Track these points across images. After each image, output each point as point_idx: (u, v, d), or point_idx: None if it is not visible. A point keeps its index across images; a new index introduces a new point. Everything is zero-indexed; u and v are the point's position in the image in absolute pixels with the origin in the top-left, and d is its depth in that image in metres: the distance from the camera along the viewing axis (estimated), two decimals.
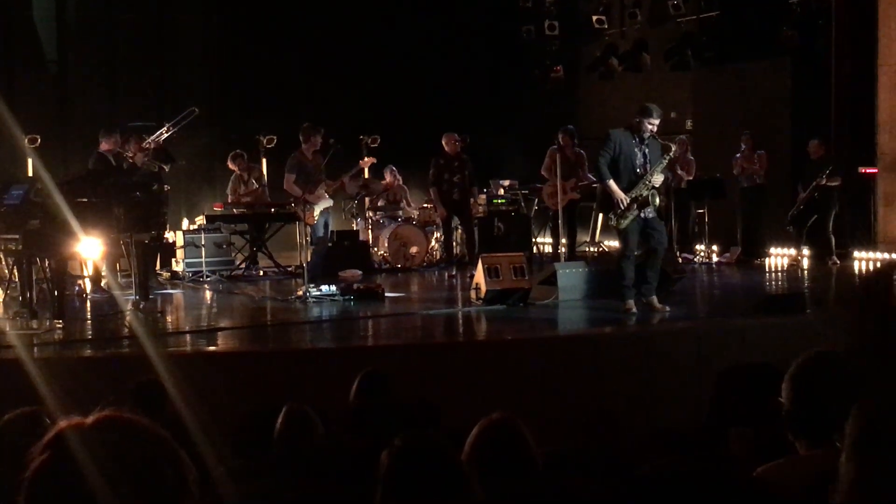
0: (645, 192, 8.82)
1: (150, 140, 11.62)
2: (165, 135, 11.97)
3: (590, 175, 13.12)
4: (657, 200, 9.02)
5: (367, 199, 14.30)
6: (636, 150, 8.90)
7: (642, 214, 8.88)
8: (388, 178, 14.35)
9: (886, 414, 1.62)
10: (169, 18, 16.88)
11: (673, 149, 9.48)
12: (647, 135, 8.92)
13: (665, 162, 9.15)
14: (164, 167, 11.34)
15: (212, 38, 16.80)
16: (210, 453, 3.54)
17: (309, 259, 10.91)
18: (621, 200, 8.78)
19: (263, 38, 16.00)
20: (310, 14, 16.04)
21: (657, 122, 8.99)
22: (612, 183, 8.81)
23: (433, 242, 13.91)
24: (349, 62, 15.94)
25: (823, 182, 12.61)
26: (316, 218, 11.17)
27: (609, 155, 8.87)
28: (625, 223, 8.87)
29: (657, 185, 8.99)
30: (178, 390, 5.00)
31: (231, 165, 13.65)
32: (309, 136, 11.15)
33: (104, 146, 11.08)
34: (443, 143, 12.94)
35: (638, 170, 8.88)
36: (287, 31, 15.99)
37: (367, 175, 14.07)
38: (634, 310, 8.94)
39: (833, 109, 13.94)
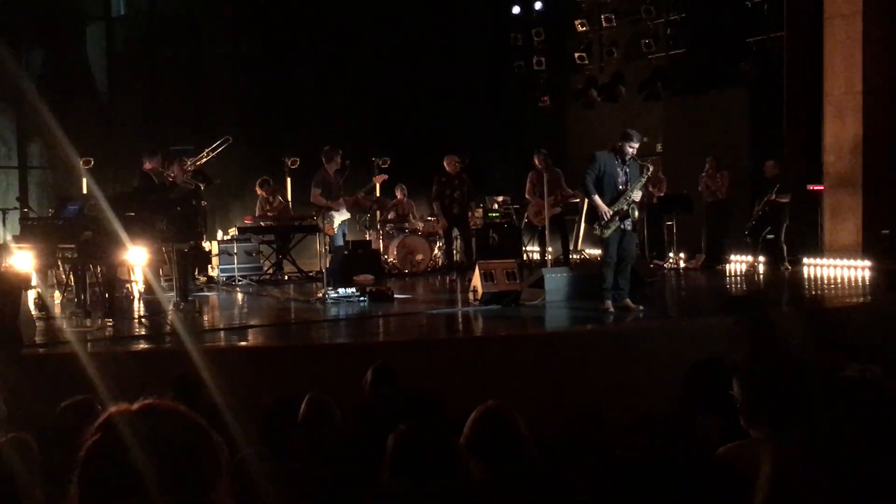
0: (625, 207, 8.84)
1: (190, 163, 11.63)
2: (205, 159, 12.00)
3: (567, 189, 13.15)
4: (636, 213, 9.05)
5: (378, 213, 14.32)
6: (618, 169, 8.91)
7: (622, 226, 8.90)
8: (398, 195, 14.37)
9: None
10: (205, 55, 16.92)
11: (651, 169, 9.51)
12: (628, 157, 8.94)
13: (643, 180, 9.17)
14: (201, 185, 11.33)
15: (242, 72, 16.83)
16: (241, 437, 3.52)
17: (328, 265, 10.91)
18: (605, 213, 8.80)
19: (287, 72, 16.02)
20: (328, 51, 16.05)
21: (637, 145, 9.01)
22: (597, 198, 8.83)
23: (436, 250, 13.92)
24: (363, 93, 15.96)
25: (773, 198, 12.64)
26: (335, 229, 11.17)
27: (594, 174, 8.88)
28: (608, 233, 8.88)
29: (636, 201, 9.01)
30: (213, 381, 4.98)
31: (259, 191, 13.74)
32: (331, 157, 11.15)
33: (147, 165, 11.04)
34: (444, 163, 12.94)
35: (620, 187, 8.89)
36: (308, 65, 16.01)
37: (378, 192, 14.11)
38: (612, 309, 8.94)
39: (786, 134, 13.96)
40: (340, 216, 11.20)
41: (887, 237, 12.64)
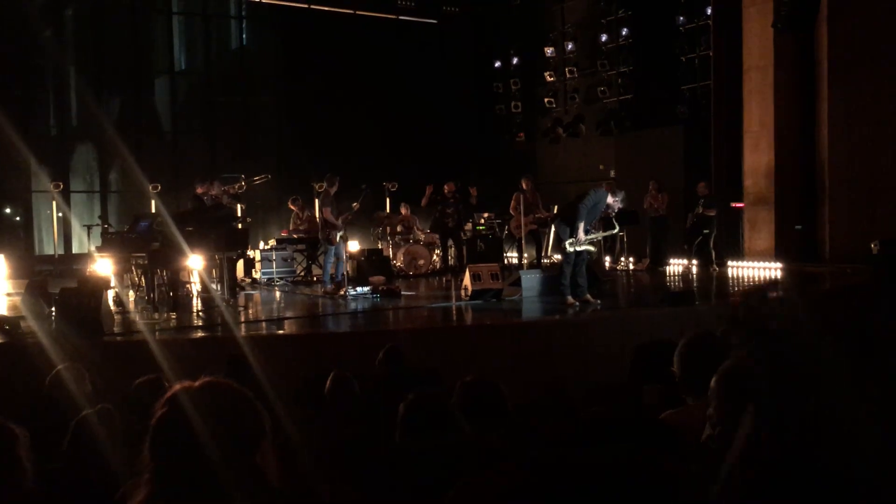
0: (594, 241, 9.02)
1: (227, 187, 11.55)
2: (242, 185, 11.94)
3: (543, 211, 13.14)
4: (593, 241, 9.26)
5: (388, 227, 14.31)
6: (601, 210, 9.05)
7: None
8: (403, 211, 14.35)
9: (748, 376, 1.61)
10: (249, 102, 16.96)
11: (618, 229, 9.71)
12: (608, 206, 9.14)
13: (609, 233, 9.43)
14: (242, 206, 11.28)
15: (279, 114, 16.87)
16: (280, 406, 3.53)
17: (324, 266, 10.80)
18: (580, 238, 8.83)
19: (316, 115, 16.08)
20: (349, 98, 16.09)
21: (618, 200, 9.24)
22: (581, 224, 8.84)
23: (434, 256, 13.90)
24: (376, 131, 15.98)
25: (701, 212, 12.75)
26: (338, 240, 11.01)
27: (590, 203, 8.91)
28: (572, 249, 8.92)
29: (599, 239, 9.19)
30: (256, 361, 4.97)
31: (291, 206, 13.68)
32: (333, 182, 11.02)
33: (199, 190, 10.91)
34: (444, 187, 12.96)
35: (595, 223, 9.01)
36: (332, 109, 16.05)
37: (388, 210, 14.14)
38: (575, 303, 8.95)
39: (713, 162, 13.99)
40: (341, 231, 11.03)
41: (799, 232, 12.80)
